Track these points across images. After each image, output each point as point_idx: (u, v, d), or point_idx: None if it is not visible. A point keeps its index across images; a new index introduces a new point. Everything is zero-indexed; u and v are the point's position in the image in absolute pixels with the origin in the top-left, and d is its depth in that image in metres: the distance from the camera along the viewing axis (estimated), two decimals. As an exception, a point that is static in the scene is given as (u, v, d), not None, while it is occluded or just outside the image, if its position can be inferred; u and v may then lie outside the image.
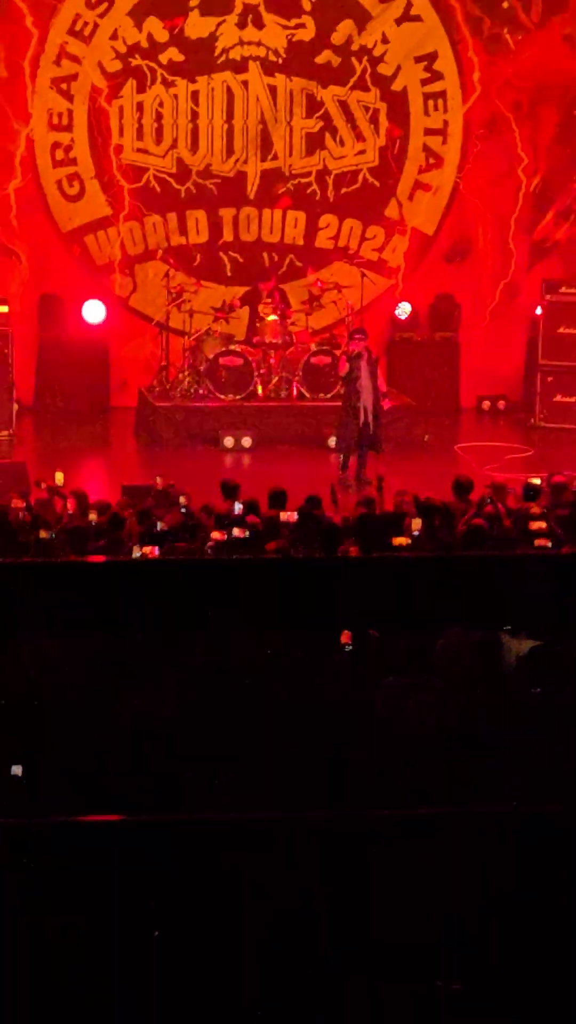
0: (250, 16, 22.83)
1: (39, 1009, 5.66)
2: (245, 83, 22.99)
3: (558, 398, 22.54)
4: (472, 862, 6.11)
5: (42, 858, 4.10)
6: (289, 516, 13.29)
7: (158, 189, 23.01)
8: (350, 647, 9.58)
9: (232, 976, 5.80)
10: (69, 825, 4.04)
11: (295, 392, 21.42)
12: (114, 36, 22.72)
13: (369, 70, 23.10)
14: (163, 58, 22.79)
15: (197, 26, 22.79)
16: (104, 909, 5.82)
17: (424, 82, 23.24)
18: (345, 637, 9.53)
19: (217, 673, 9.12)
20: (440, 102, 23.31)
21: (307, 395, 21.34)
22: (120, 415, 22.23)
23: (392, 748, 8.23)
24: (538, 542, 12.41)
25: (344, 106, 23.14)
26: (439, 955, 5.88)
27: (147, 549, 11.91)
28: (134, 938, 5.86)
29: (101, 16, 22.67)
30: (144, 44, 22.75)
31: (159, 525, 13.08)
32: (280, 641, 9.34)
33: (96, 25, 22.69)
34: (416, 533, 12.73)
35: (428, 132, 23.34)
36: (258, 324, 21.86)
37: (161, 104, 22.92)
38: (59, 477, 15.23)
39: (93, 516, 13.76)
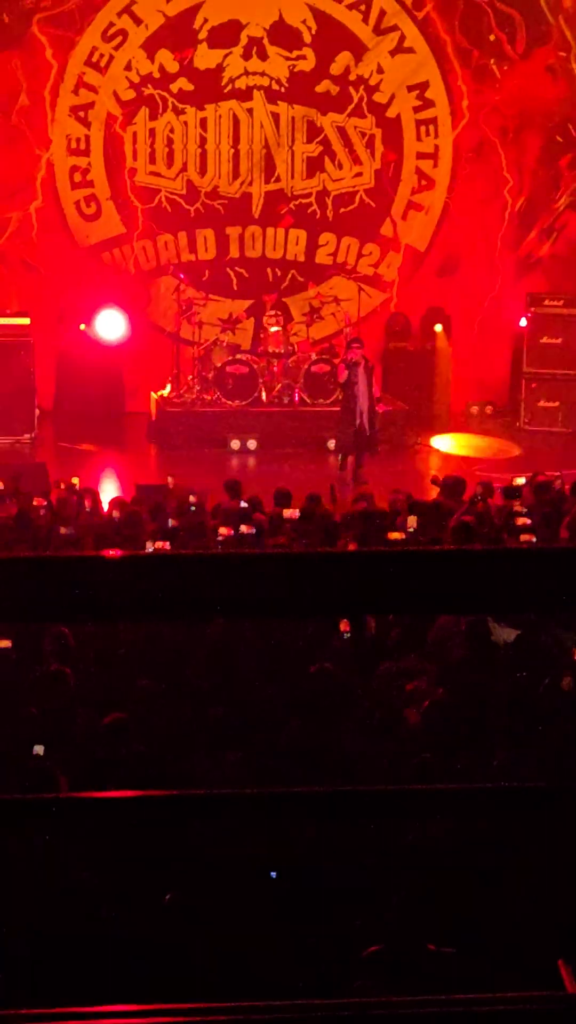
0: (255, 48, 22.83)
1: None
2: (250, 111, 22.98)
3: (541, 403, 22.54)
4: (458, 835, 6.11)
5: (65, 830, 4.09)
6: (292, 513, 13.30)
7: (169, 209, 23.01)
8: (348, 634, 9.60)
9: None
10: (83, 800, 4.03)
11: (297, 398, 21.42)
12: (128, 67, 22.72)
13: (365, 98, 23.10)
14: (174, 87, 22.79)
15: (205, 58, 22.79)
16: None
17: (416, 109, 23.24)
18: (344, 625, 9.55)
19: (228, 659, 9.14)
20: (431, 128, 23.30)
21: (308, 401, 21.33)
22: (134, 419, 22.22)
23: (387, 727, 8.24)
24: (523, 537, 12.41)
25: (342, 132, 23.13)
26: (431, 920, 5.88)
27: (160, 544, 11.92)
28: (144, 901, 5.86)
29: (116, 48, 22.67)
30: (156, 74, 22.75)
31: (170, 522, 13.09)
32: (284, 629, 9.36)
33: (111, 57, 22.69)
34: (411, 529, 12.74)
35: (420, 156, 23.34)
36: (262, 335, 21.87)
37: (172, 130, 22.91)
38: (76, 481, 15.30)
39: (116, 513, 13.79)
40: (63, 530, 12.63)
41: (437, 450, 21.03)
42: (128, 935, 5.77)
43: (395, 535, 12.46)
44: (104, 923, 5.86)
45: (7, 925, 5.74)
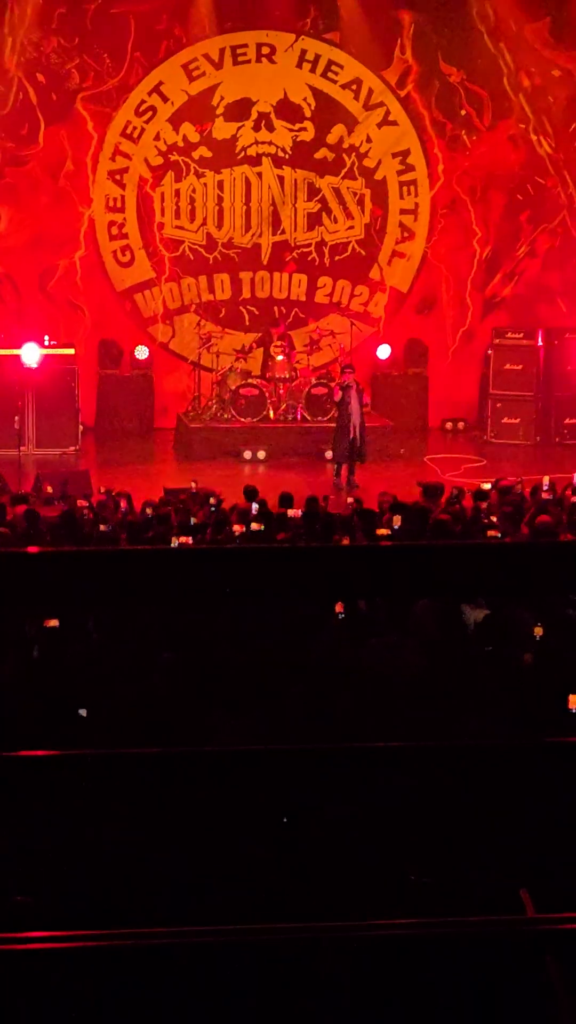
0: (263, 121, 22.83)
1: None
2: (259, 174, 22.98)
3: (504, 420, 22.53)
4: (435, 787, 6.10)
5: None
6: (295, 513, 13.29)
7: (192, 257, 23.02)
8: (342, 615, 9.57)
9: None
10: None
11: (299, 416, 21.41)
12: (157, 137, 22.72)
13: (357, 163, 23.10)
14: (195, 155, 22.80)
15: (222, 129, 22.79)
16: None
17: (400, 172, 23.23)
18: (339, 607, 9.53)
19: (237, 635, 9.13)
20: (412, 188, 23.29)
21: (308, 418, 21.33)
22: (162, 434, 22.24)
23: (375, 693, 8.22)
24: (489, 533, 12.39)
25: (337, 192, 23.13)
26: (413, 854, 5.87)
27: (183, 539, 11.91)
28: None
29: (147, 122, 22.67)
30: (180, 143, 22.75)
31: (192, 520, 13.09)
32: (289, 610, 9.35)
33: (143, 129, 22.69)
34: (396, 527, 12.72)
35: (403, 212, 23.33)
36: (270, 363, 21.87)
37: (194, 190, 22.91)
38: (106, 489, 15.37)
39: (149, 511, 13.78)
40: (103, 527, 12.65)
41: (418, 459, 21.02)
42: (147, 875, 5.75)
43: (383, 531, 12.45)
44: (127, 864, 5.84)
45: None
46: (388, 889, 5.54)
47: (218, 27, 22.60)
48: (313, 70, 22.90)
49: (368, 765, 3.80)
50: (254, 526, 12.63)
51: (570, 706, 7.70)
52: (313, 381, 21.58)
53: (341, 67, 22.93)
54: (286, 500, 14.04)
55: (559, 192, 23.31)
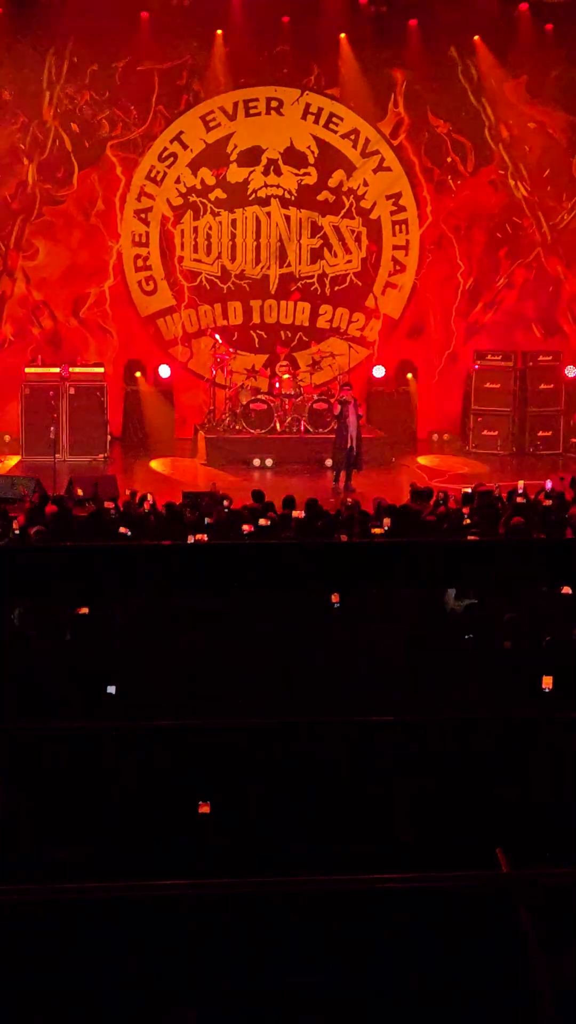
0: (272, 167, 22.82)
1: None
2: (268, 213, 22.97)
3: (484, 432, 22.52)
4: (417, 757, 6.10)
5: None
6: (298, 514, 13.29)
7: (208, 287, 23.01)
8: (338, 604, 9.57)
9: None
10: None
11: (303, 428, 21.40)
12: (178, 180, 22.72)
13: (354, 204, 23.08)
14: (211, 196, 22.79)
15: (235, 174, 22.79)
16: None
17: (392, 213, 23.21)
18: (335, 597, 9.52)
19: (243, 620, 9.12)
20: (404, 227, 23.27)
21: (311, 430, 21.32)
22: (182, 444, 22.22)
23: (366, 673, 8.22)
24: (470, 532, 12.39)
25: (337, 229, 23.11)
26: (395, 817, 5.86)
27: (199, 536, 11.90)
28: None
29: (169, 167, 22.67)
30: (198, 186, 22.75)
31: (206, 519, 13.07)
32: (290, 600, 9.34)
33: (165, 173, 22.69)
34: (387, 527, 12.72)
35: (395, 248, 23.31)
36: (276, 381, 21.85)
37: (210, 228, 22.90)
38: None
39: (167, 513, 13.71)
40: (122, 529, 12.59)
41: (408, 466, 21.01)
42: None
43: (377, 530, 12.44)
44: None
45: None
46: (378, 848, 5.54)
47: (232, 83, 22.61)
48: (316, 121, 22.89)
49: (364, 736, 3.81)
50: (262, 522, 12.62)
51: (544, 686, 7.70)
52: (315, 397, 21.56)
53: (341, 119, 22.93)
54: (289, 503, 14.04)
55: (534, 231, 23.30)
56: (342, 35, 22.47)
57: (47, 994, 3.69)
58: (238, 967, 3.74)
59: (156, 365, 22.56)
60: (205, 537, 11.88)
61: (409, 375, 23.10)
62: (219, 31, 22.24)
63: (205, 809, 5.05)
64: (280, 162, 22.79)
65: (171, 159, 22.65)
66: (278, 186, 22.87)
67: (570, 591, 9.34)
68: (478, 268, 23.32)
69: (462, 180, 23.12)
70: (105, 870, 5.21)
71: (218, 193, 22.76)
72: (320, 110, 22.88)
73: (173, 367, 22.67)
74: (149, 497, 14.60)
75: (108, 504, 13.97)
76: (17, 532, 12.15)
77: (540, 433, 22.50)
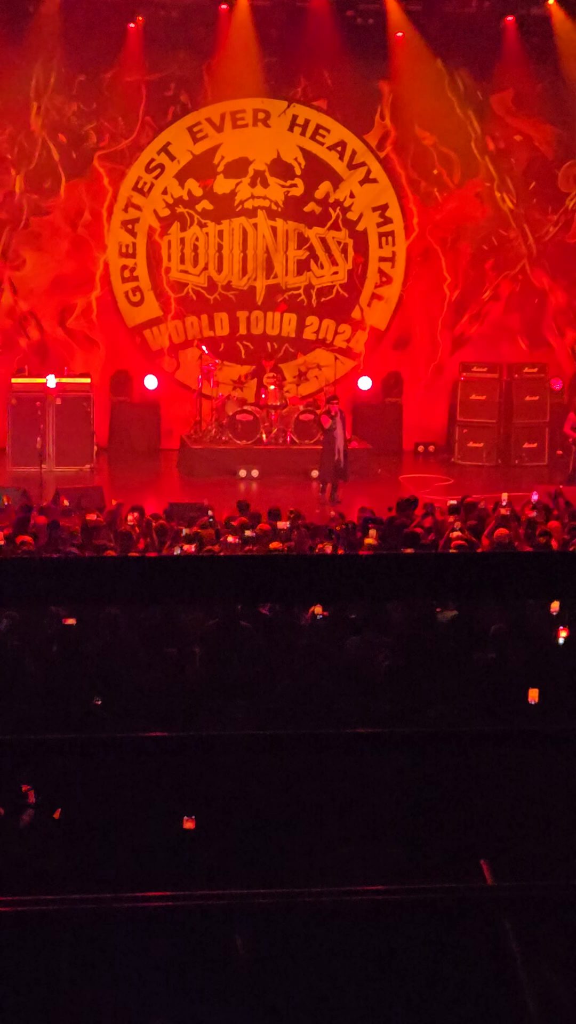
0: (259, 178, 22.85)
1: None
2: (255, 225, 22.99)
3: (470, 444, 22.55)
4: (407, 766, 6.10)
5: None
6: (283, 525, 13.28)
7: (194, 298, 23.02)
8: (323, 616, 9.57)
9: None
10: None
11: (289, 439, 21.41)
12: (165, 192, 22.73)
13: (341, 216, 23.12)
14: (198, 207, 22.80)
15: (222, 185, 22.81)
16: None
17: (379, 224, 23.26)
18: (319, 609, 9.52)
19: (231, 629, 9.12)
20: (390, 238, 23.32)
21: (297, 441, 21.33)
22: (167, 454, 22.21)
23: (353, 684, 8.22)
24: (455, 544, 12.39)
25: (323, 241, 23.15)
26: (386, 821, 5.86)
27: (186, 547, 11.90)
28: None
29: (156, 178, 22.69)
30: (185, 197, 22.77)
31: (185, 531, 13.02)
32: (276, 611, 9.34)
33: (152, 184, 22.71)
34: (373, 538, 12.72)
35: (382, 259, 23.36)
36: (263, 392, 21.86)
37: (197, 239, 22.92)
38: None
39: (153, 523, 13.65)
40: (103, 541, 12.48)
41: (394, 478, 21.03)
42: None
43: (369, 541, 12.46)
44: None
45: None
46: (363, 859, 5.53)
47: (219, 95, 22.65)
48: (303, 133, 22.94)
49: (351, 748, 3.80)
50: (248, 533, 12.62)
51: (530, 699, 7.71)
52: (301, 408, 21.57)
53: (328, 131, 22.97)
54: (275, 514, 14.03)
55: (519, 243, 23.36)
56: (329, 47, 22.51)
57: (32, 1006, 3.68)
58: (220, 980, 3.73)
59: (142, 376, 22.55)
60: (193, 548, 11.88)
61: (395, 387, 23.10)
62: (206, 43, 22.27)
63: (190, 825, 5.05)
64: (267, 174, 22.82)
65: (158, 170, 22.68)
66: (265, 198, 22.91)
67: (558, 608, 9.34)
68: (464, 280, 23.37)
69: (448, 192, 23.19)
70: (90, 881, 5.20)
71: (205, 204, 22.78)
72: (307, 122, 22.92)
73: (160, 378, 22.66)
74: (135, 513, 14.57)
75: (90, 515, 13.92)
76: (3, 543, 12.12)
77: (525, 445, 22.54)
